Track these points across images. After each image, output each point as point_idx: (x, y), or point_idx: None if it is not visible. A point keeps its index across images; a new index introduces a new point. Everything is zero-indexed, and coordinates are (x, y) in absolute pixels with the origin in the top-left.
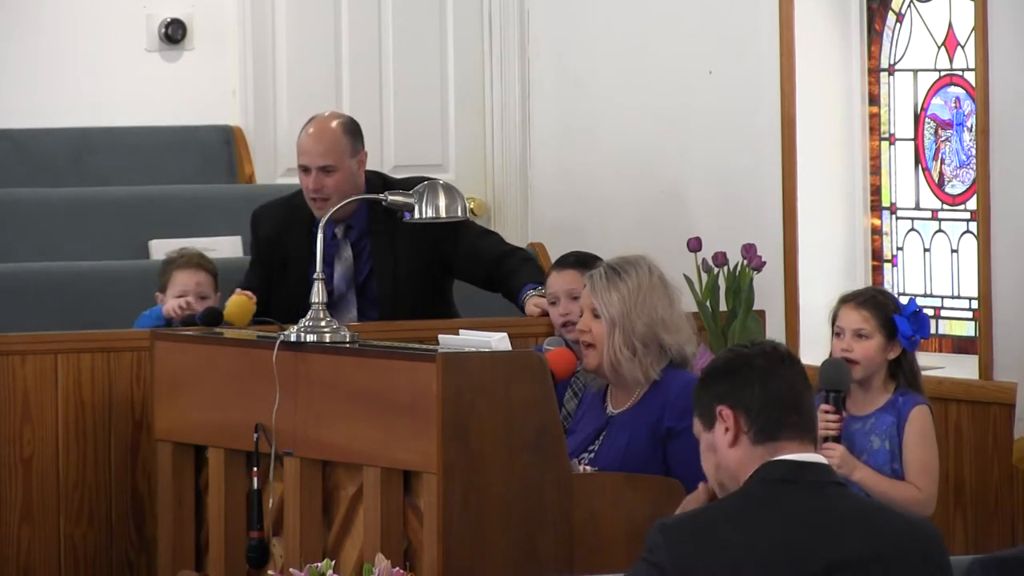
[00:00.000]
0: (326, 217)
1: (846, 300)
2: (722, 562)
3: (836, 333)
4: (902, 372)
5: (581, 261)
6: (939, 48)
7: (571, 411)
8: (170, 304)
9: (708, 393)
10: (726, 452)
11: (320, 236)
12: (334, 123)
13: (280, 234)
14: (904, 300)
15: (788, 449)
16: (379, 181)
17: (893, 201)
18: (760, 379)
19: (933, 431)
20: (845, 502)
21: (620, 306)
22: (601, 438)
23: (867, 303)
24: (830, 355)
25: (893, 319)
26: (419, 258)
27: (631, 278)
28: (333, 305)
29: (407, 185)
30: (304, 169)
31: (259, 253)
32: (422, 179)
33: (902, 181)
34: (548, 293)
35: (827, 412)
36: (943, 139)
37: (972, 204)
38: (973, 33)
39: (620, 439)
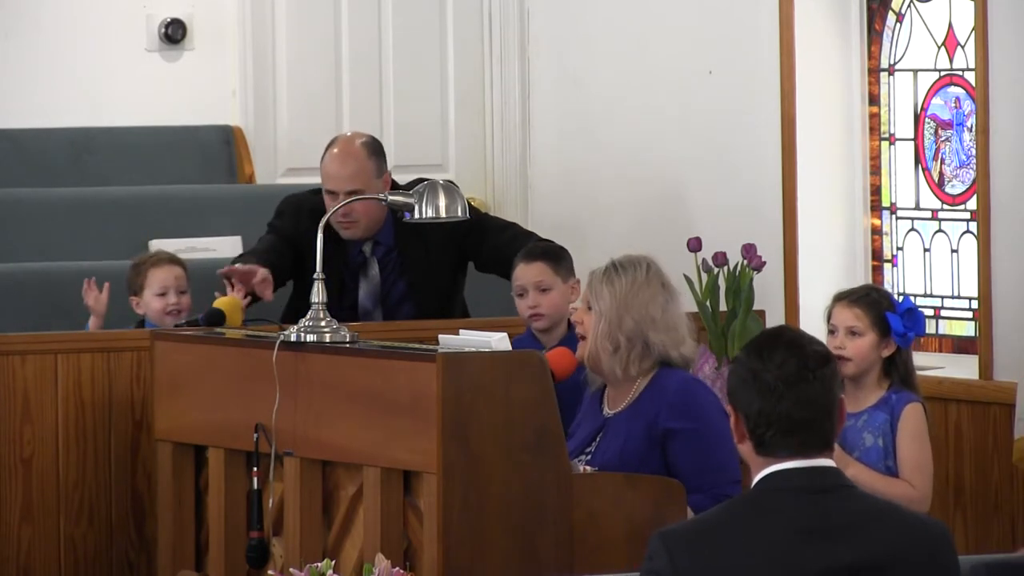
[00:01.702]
0: (325, 218)
1: (840, 298)
2: (723, 567)
3: (830, 331)
4: (896, 370)
5: (549, 253)
6: (939, 48)
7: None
8: (156, 307)
9: (729, 380)
10: (737, 444)
11: (320, 236)
12: (358, 145)
13: (308, 233)
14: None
15: (786, 461)
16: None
17: (893, 201)
18: (763, 396)
19: (926, 428)
20: (850, 504)
21: (610, 300)
22: (598, 440)
23: (860, 301)
24: None
25: (886, 317)
26: (447, 261)
27: (627, 275)
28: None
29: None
30: (331, 193)
31: (290, 232)
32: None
33: (902, 181)
34: (516, 285)
35: None
36: (943, 139)
37: (972, 204)
38: (973, 33)
39: (615, 441)
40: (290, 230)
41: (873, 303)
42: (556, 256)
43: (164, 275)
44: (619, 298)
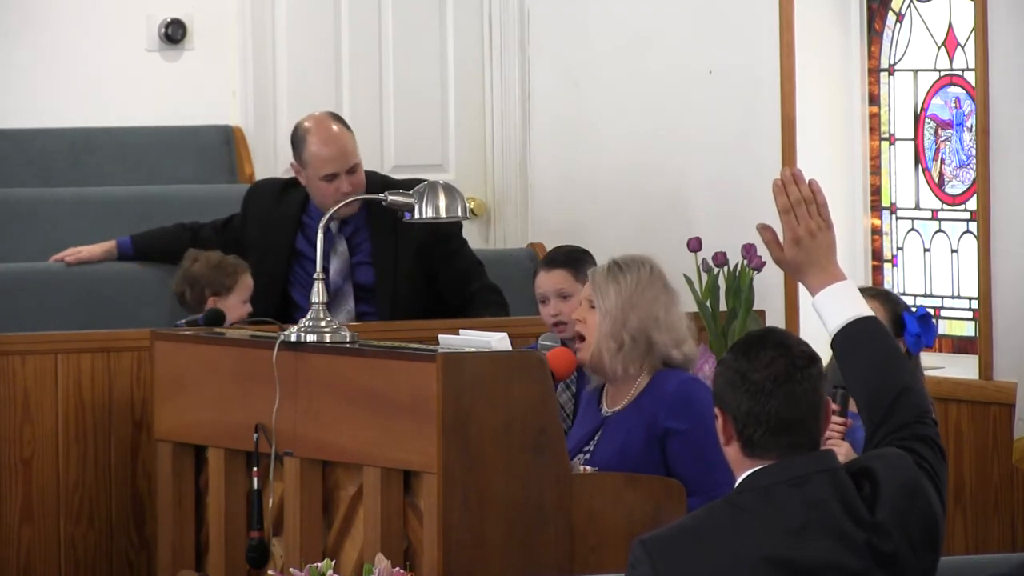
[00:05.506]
0: (327, 216)
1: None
2: (706, 571)
3: None
4: None
5: (570, 259)
6: (939, 48)
7: (563, 404)
8: (240, 313)
9: (715, 382)
10: (723, 447)
11: (320, 237)
12: (335, 126)
13: (268, 219)
14: (906, 301)
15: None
16: (379, 180)
17: (893, 201)
18: (751, 396)
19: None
20: (833, 492)
21: (615, 299)
22: (596, 438)
23: (877, 297)
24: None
25: (903, 316)
26: (417, 258)
27: (631, 274)
28: (330, 298)
29: (407, 186)
30: (331, 177)
31: (244, 227)
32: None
33: (902, 181)
34: (537, 293)
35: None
36: (943, 139)
37: (972, 204)
38: (973, 33)
39: (615, 440)
40: (256, 214)
41: (891, 301)
42: (577, 262)
43: (250, 283)
44: (625, 296)
